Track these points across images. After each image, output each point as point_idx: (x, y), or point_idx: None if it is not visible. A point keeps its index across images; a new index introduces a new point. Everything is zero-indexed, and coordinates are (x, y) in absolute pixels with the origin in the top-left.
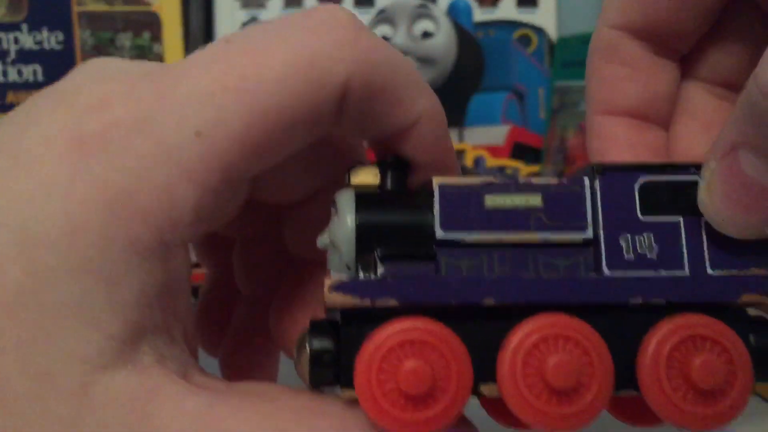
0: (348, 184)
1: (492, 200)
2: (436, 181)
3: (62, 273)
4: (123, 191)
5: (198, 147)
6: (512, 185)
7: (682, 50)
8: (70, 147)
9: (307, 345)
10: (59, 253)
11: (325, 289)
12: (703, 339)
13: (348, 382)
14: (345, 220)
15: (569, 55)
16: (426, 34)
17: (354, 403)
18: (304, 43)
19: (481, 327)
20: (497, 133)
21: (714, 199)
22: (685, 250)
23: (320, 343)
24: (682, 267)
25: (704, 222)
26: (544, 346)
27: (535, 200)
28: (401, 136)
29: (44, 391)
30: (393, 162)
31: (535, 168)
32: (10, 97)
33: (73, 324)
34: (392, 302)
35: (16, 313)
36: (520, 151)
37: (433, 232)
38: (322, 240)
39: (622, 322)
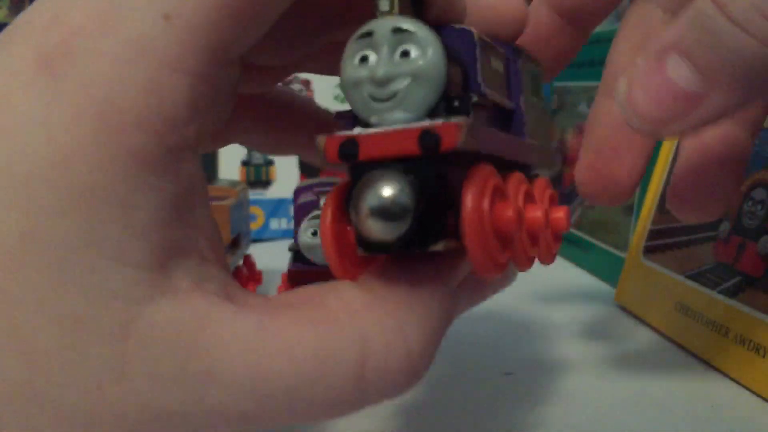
0: (381, 13)
1: (494, 61)
2: (476, 34)
3: (66, 205)
4: (106, 101)
5: (171, 31)
6: (496, 47)
7: None
8: (36, 70)
9: (393, 190)
10: (56, 185)
11: (461, 130)
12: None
13: (445, 232)
14: (436, 51)
15: None
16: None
17: (402, 281)
18: None
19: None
20: None
21: (633, 91)
22: (523, 122)
23: (415, 188)
24: (525, 135)
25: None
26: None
27: (502, 66)
28: None
29: (78, 338)
30: None
31: None
32: None
33: (93, 259)
34: (483, 150)
35: (25, 260)
36: None
37: (479, 85)
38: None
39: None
